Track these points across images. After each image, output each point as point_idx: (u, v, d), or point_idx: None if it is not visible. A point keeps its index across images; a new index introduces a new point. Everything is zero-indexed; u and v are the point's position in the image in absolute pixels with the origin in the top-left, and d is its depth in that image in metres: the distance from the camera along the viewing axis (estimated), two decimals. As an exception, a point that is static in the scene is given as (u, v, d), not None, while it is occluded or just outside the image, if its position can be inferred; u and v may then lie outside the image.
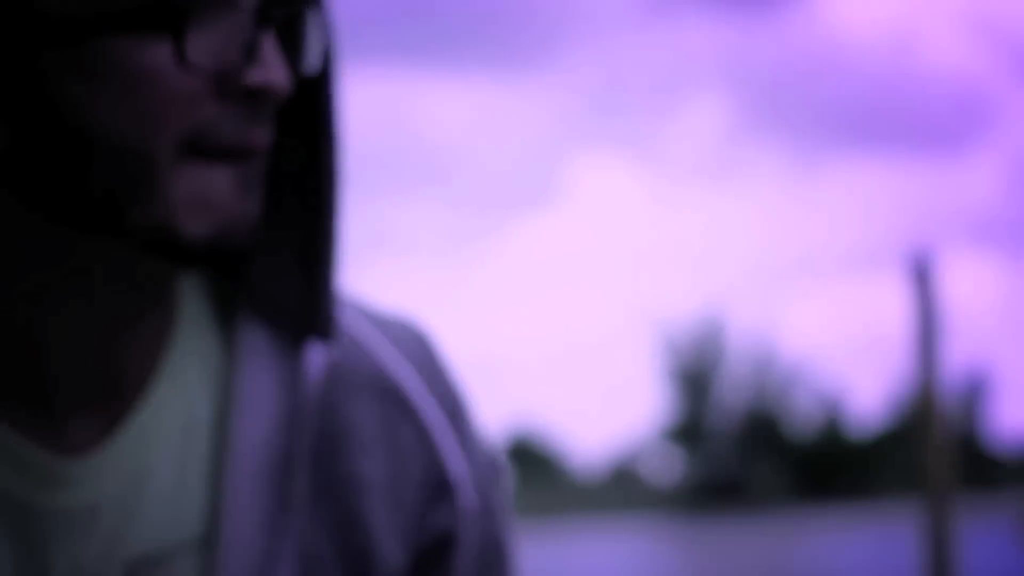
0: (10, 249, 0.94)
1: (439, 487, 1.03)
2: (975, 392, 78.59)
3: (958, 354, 42.60)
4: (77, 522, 0.95)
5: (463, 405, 1.06)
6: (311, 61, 0.94)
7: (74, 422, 0.96)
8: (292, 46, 0.94)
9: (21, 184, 0.92)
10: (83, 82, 0.90)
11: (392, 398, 1.02)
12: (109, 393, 0.96)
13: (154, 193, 0.91)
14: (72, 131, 0.91)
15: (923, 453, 7.03)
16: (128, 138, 0.90)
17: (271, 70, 0.90)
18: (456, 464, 1.04)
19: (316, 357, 1.00)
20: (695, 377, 78.81)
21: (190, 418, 0.97)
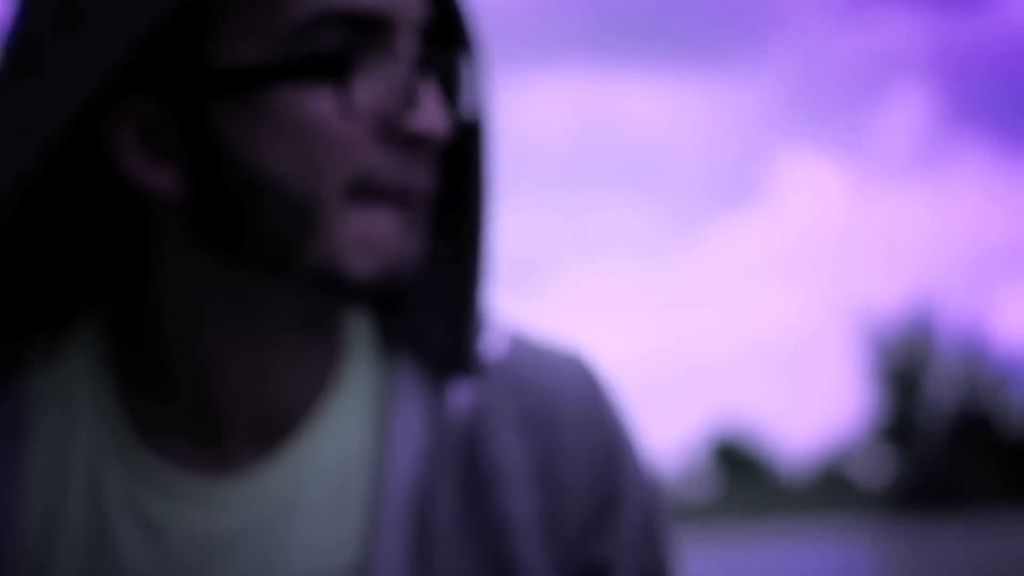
0: (190, 290, 0.99)
1: (597, 518, 1.04)
2: None
3: None
4: (229, 544, 0.98)
5: (623, 435, 1.07)
6: (468, 106, 1.00)
7: (233, 449, 1.01)
8: (450, 92, 0.99)
9: (201, 229, 0.98)
10: (254, 131, 0.95)
11: (546, 432, 1.04)
12: (272, 423, 1.01)
13: (322, 234, 0.96)
14: (246, 178, 0.96)
15: None
16: (297, 183, 0.95)
17: (430, 116, 0.96)
18: (615, 495, 1.05)
19: (462, 392, 1.03)
20: (904, 375, 77.15)
21: (346, 451, 1.01)
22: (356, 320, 1.06)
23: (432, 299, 1.05)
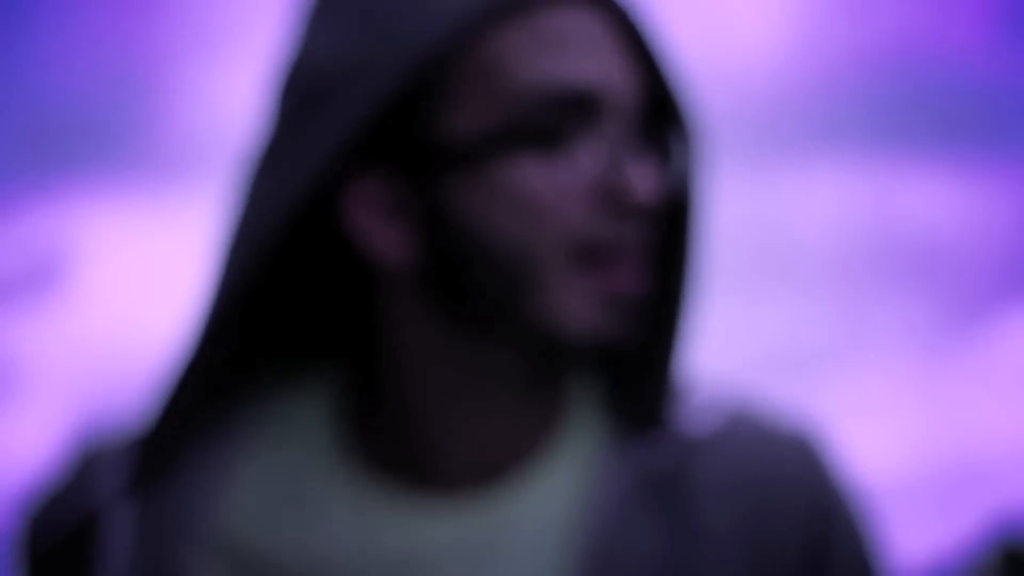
0: (417, 349, 1.07)
1: None
2: None
3: None
4: (430, 568, 1.05)
5: (842, 515, 1.10)
6: (680, 182, 1.06)
7: (449, 489, 1.07)
8: (664, 167, 1.05)
9: (428, 292, 1.05)
10: (478, 200, 1.03)
11: (758, 499, 1.08)
12: (486, 471, 1.08)
13: (540, 296, 1.03)
14: (470, 243, 1.03)
15: None
16: (517, 248, 1.03)
17: (640, 185, 1.02)
18: (825, 570, 1.08)
19: (665, 453, 1.08)
20: None
21: (552, 504, 1.07)
22: (580, 380, 1.12)
23: (640, 362, 1.10)
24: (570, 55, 1.03)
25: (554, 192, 1.02)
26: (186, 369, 1.07)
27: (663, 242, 1.08)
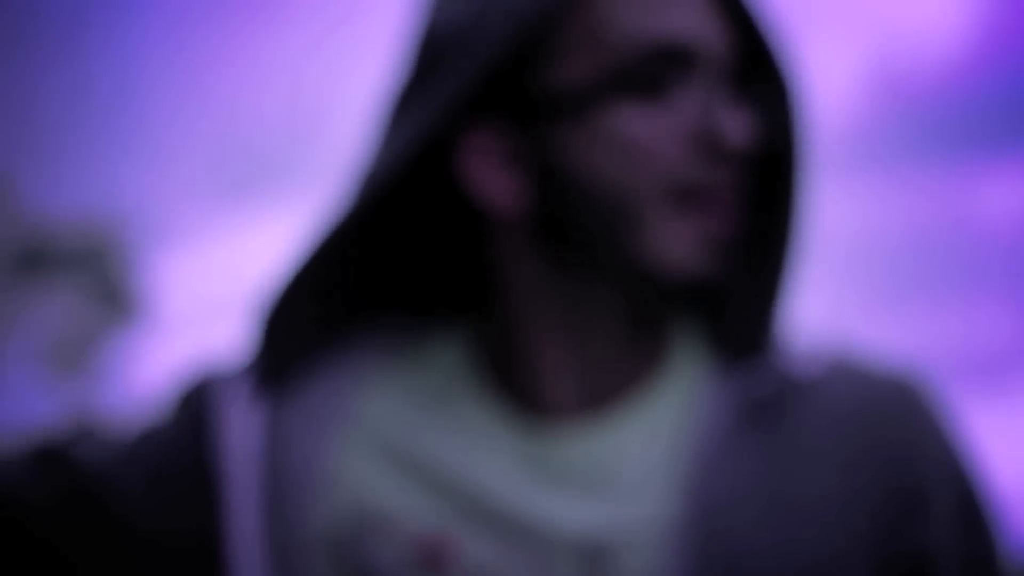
0: (527, 291, 1.15)
1: (906, 516, 1.13)
2: None
3: None
4: (569, 474, 1.13)
5: (939, 442, 1.15)
6: (776, 129, 1.14)
7: (559, 413, 1.15)
8: (755, 113, 1.13)
9: (538, 236, 1.14)
10: (584, 145, 1.11)
11: (857, 431, 1.14)
12: (595, 401, 1.15)
13: (641, 235, 1.11)
14: (579, 188, 1.12)
15: None
16: (620, 190, 1.11)
17: (733, 128, 1.10)
18: (924, 496, 1.14)
19: (767, 379, 1.14)
20: None
21: (659, 427, 1.14)
22: (684, 319, 1.19)
23: (744, 298, 1.17)
24: (668, 12, 1.11)
25: (653, 136, 1.10)
26: (301, 290, 1.15)
27: (767, 186, 1.14)
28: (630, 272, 1.12)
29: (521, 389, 1.16)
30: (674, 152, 1.11)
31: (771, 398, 1.14)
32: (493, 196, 1.14)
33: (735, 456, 1.11)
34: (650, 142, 1.10)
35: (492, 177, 1.13)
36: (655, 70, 1.11)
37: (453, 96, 1.11)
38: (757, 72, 1.15)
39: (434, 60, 1.13)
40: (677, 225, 1.11)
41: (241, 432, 1.15)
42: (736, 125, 1.10)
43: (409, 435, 1.16)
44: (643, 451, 1.13)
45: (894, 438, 1.14)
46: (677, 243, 1.11)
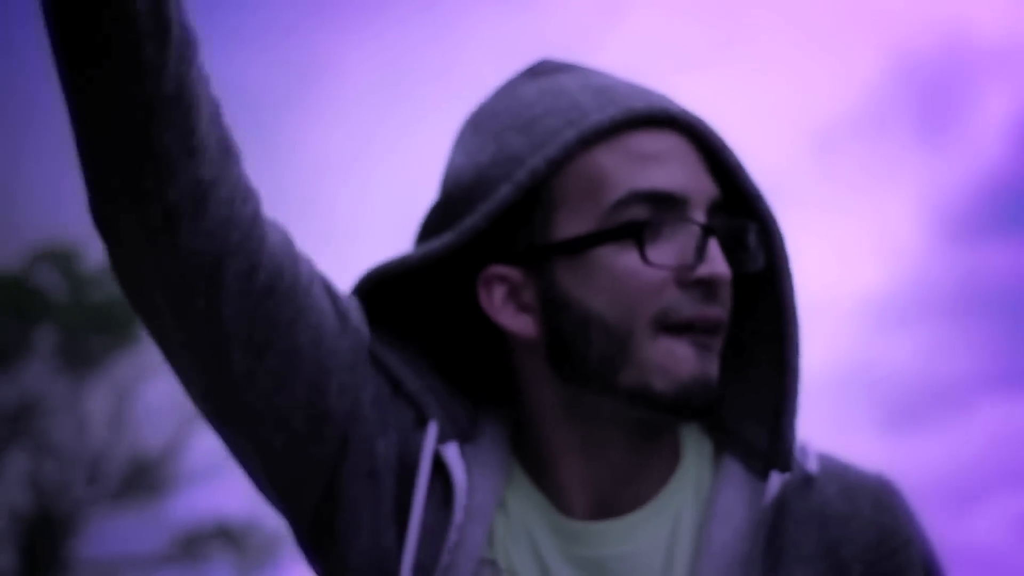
0: (544, 406, 1.28)
1: None
2: None
3: None
4: (598, 567, 1.26)
5: (910, 539, 1.30)
6: (755, 257, 1.26)
7: (582, 518, 1.28)
8: (739, 247, 1.25)
9: (549, 361, 1.27)
10: (584, 283, 1.23)
11: (839, 527, 1.27)
12: (611, 508, 1.28)
13: (634, 360, 1.22)
14: (578, 319, 1.24)
15: None
16: (614, 320, 1.22)
17: (714, 265, 1.21)
18: None
19: (773, 485, 1.25)
20: None
21: (675, 522, 1.27)
22: (690, 429, 1.32)
23: (756, 413, 1.29)
24: (656, 166, 1.23)
25: (643, 274, 1.22)
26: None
27: (768, 313, 1.28)
28: (629, 395, 1.24)
29: (549, 492, 1.29)
30: (662, 289, 1.23)
31: (778, 500, 1.24)
32: (506, 324, 1.28)
33: (739, 552, 1.23)
34: (639, 279, 1.22)
35: (504, 308, 1.28)
36: (646, 215, 1.23)
37: (464, 240, 1.26)
38: (740, 208, 1.28)
39: (452, 205, 1.29)
40: (669, 348, 1.23)
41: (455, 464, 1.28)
42: (715, 260, 1.22)
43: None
44: (656, 552, 1.26)
45: (877, 523, 1.28)
46: (670, 364, 1.23)
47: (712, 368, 1.24)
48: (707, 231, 1.23)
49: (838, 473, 1.30)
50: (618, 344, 1.23)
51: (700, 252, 1.23)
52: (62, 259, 24.00)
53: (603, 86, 1.25)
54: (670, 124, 1.24)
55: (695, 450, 1.32)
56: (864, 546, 1.27)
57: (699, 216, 1.23)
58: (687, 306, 1.23)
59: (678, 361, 1.23)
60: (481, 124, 1.29)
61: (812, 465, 1.29)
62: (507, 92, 1.29)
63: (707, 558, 1.23)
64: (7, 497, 25.32)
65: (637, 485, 1.28)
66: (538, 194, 1.25)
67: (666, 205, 1.23)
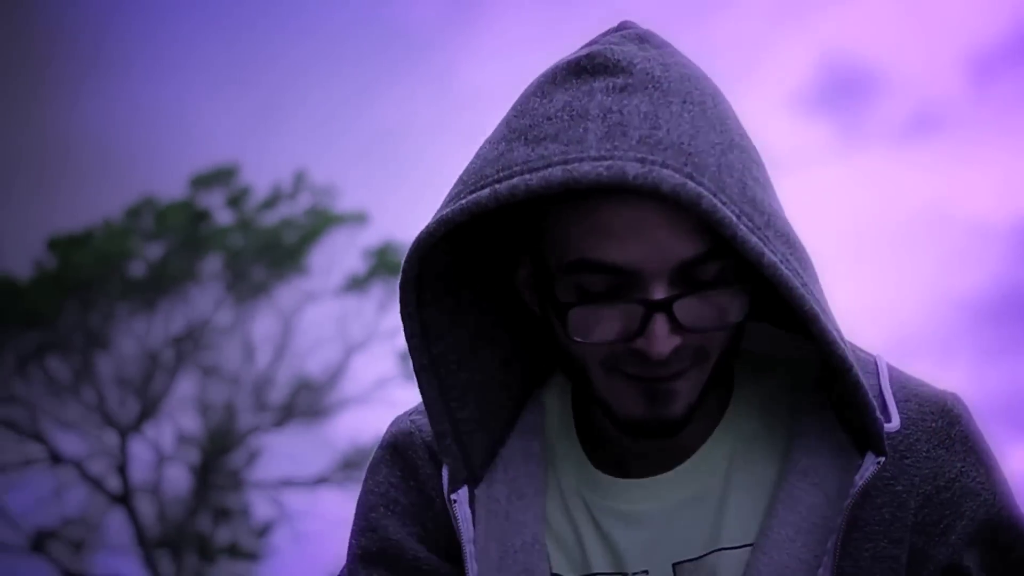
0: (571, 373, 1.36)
1: (940, 526, 1.32)
2: None
3: None
4: (636, 521, 1.33)
5: (975, 459, 1.33)
6: (704, 322, 1.24)
7: (638, 467, 1.37)
8: (690, 316, 1.24)
9: (565, 370, 1.40)
10: (560, 331, 1.30)
11: (904, 455, 1.31)
12: (659, 466, 1.36)
13: (598, 388, 1.30)
14: (564, 350, 1.32)
15: None
16: (575, 354, 1.30)
17: (652, 343, 1.22)
18: (958, 508, 1.32)
19: (868, 468, 1.27)
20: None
21: (729, 474, 1.33)
22: (749, 388, 1.38)
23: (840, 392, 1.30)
24: (611, 240, 1.20)
25: (593, 330, 1.25)
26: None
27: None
28: (598, 404, 1.32)
29: (595, 455, 1.39)
30: (612, 349, 1.26)
31: (860, 480, 1.27)
32: (528, 302, 1.36)
33: (826, 520, 1.28)
34: (593, 337, 1.25)
35: (527, 288, 1.34)
36: (597, 284, 1.24)
37: (441, 224, 1.26)
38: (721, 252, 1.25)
39: (465, 179, 1.29)
40: (621, 387, 1.28)
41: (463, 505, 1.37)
42: (655, 337, 1.22)
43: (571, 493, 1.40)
44: (707, 500, 1.33)
45: (932, 456, 1.31)
46: (621, 401, 1.29)
47: (667, 410, 1.27)
48: (652, 307, 1.21)
49: (900, 403, 1.32)
50: (581, 372, 1.30)
51: (642, 327, 1.22)
52: (228, 187, 24.49)
53: (623, 117, 1.19)
54: (651, 194, 1.18)
55: (751, 392, 1.37)
56: (920, 479, 1.29)
57: (655, 288, 1.21)
58: (631, 364, 1.26)
59: (627, 401, 1.28)
60: (512, 119, 1.28)
61: (895, 425, 1.30)
62: (545, 88, 1.26)
63: (789, 515, 1.26)
64: (177, 421, 26.07)
65: (684, 445, 1.35)
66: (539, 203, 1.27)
67: (618, 277, 1.22)
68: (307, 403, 25.13)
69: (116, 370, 24.91)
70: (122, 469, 25.46)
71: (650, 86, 1.21)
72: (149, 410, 25.18)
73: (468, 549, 1.33)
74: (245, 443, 26.06)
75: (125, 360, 24.92)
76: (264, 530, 30.45)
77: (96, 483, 25.59)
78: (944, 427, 1.32)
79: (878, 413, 1.26)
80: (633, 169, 1.16)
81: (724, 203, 1.17)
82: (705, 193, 1.16)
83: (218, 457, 26.05)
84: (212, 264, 24.39)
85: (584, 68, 1.23)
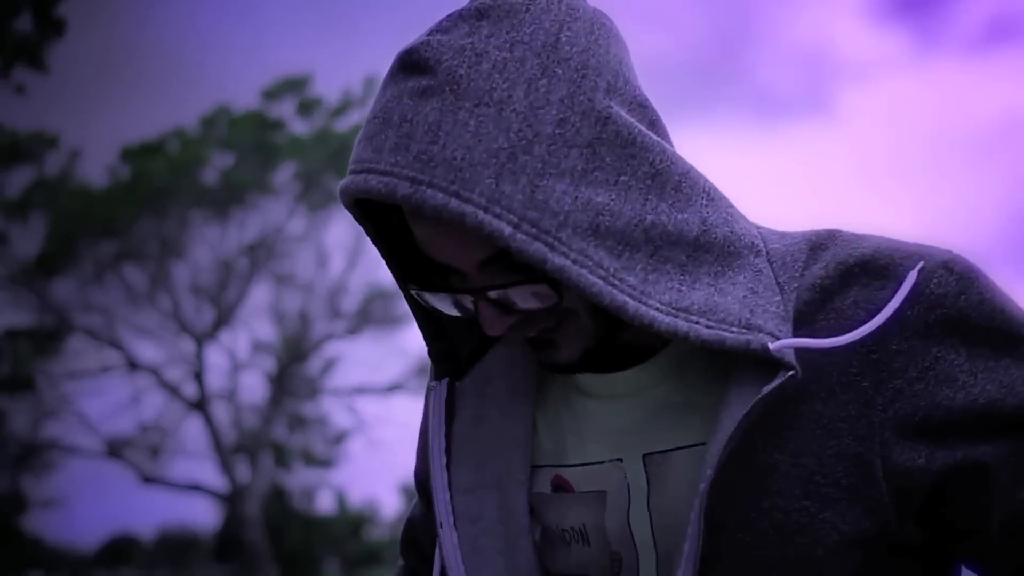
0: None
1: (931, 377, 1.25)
2: None
3: None
4: (613, 412, 1.37)
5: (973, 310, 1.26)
6: (529, 303, 1.26)
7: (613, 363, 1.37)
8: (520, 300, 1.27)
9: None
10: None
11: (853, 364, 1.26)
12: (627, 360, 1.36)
13: None
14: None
15: None
16: None
17: (484, 326, 1.28)
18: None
19: (776, 381, 1.22)
20: None
21: (689, 373, 1.33)
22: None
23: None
24: (424, 243, 1.26)
25: (462, 311, 1.30)
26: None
27: None
28: None
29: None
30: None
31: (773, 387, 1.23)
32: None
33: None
34: (458, 310, 1.31)
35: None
36: (435, 275, 1.33)
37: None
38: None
39: None
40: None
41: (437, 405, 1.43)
42: (485, 324, 1.28)
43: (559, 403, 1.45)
44: (674, 387, 1.34)
45: (909, 344, 1.24)
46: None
47: (555, 356, 1.32)
48: (474, 295, 1.28)
49: (866, 292, 1.27)
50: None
51: (476, 311, 1.28)
52: (300, 96, 24.57)
53: (411, 128, 1.22)
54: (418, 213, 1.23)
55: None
56: (889, 373, 1.24)
57: (471, 279, 1.27)
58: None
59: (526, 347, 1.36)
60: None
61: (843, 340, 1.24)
62: (386, 81, 1.28)
63: (732, 416, 1.23)
64: (252, 328, 26.35)
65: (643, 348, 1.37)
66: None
67: (445, 269, 1.29)
68: (381, 311, 25.32)
69: (191, 278, 25.18)
70: (198, 376, 25.80)
71: (447, 89, 1.21)
72: (224, 318, 25.45)
73: (435, 441, 1.41)
74: (319, 351, 26.34)
75: (200, 268, 25.17)
76: (338, 437, 30.98)
77: (172, 390, 25.94)
78: (920, 314, 1.25)
79: (745, 348, 1.23)
80: (403, 189, 1.19)
81: (498, 215, 1.18)
82: (470, 211, 1.18)
83: (293, 365, 26.33)
84: (284, 173, 24.52)
85: (403, 65, 1.25)
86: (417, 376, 25.39)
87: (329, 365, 27.19)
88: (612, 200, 1.22)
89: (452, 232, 1.22)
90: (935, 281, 1.26)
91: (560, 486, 1.41)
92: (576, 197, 1.21)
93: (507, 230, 1.19)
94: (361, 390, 26.85)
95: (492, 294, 1.26)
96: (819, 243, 1.31)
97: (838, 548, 1.25)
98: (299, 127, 24.47)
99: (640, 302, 1.23)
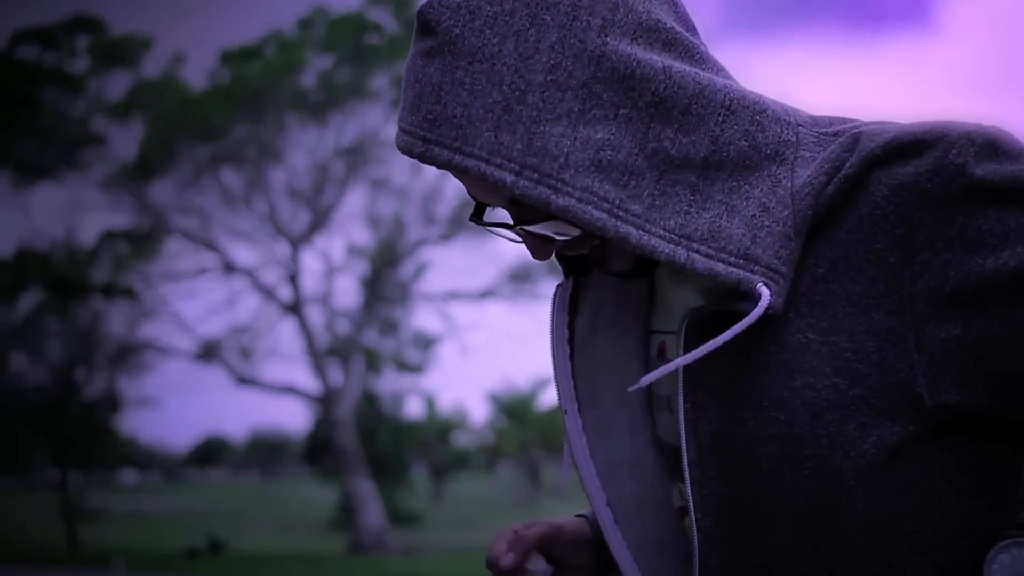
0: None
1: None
2: None
3: None
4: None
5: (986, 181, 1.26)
6: (561, 234, 1.31)
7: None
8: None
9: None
10: None
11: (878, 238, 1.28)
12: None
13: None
14: None
15: None
16: None
17: (531, 252, 1.34)
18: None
19: (759, 310, 1.26)
20: None
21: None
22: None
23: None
24: (469, 189, 1.30)
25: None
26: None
27: None
28: None
29: None
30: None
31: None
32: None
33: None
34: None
35: None
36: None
37: None
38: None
39: None
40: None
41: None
42: (534, 253, 1.33)
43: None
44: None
45: (933, 216, 1.25)
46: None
47: (608, 267, 1.37)
48: (512, 229, 1.33)
49: (889, 171, 1.28)
50: None
51: (523, 240, 1.35)
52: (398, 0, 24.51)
53: (421, 89, 1.29)
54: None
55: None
56: (915, 247, 1.25)
57: (511, 215, 1.32)
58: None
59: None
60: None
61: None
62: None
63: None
64: (347, 232, 26.50)
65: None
66: None
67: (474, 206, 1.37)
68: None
69: (287, 181, 25.37)
70: (293, 279, 26.07)
71: (446, 50, 1.28)
72: (319, 222, 25.66)
73: (558, 332, 1.45)
74: (413, 255, 26.51)
75: (296, 172, 25.34)
76: (430, 342, 31.22)
77: (267, 293, 26.23)
78: (939, 185, 1.25)
79: (736, 286, 1.27)
80: (417, 148, 1.27)
81: (499, 165, 1.25)
82: (473, 164, 1.24)
83: (386, 269, 26.52)
84: (382, 77, 24.54)
85: (417, 26, 1.31)
86: (510, 283, 25.52)
87: (422, 270, 27.35)
88: (612, 134, 1.27)
89: (476, 179, 1.29)
90: (954, 151, 1.25)
91: (661, 352, 1.44)
92: (575, 138, 1.27)
93: (509, 178, 1.25)
94: (453, 296, 27.01)
95: (525, 228, 1.31)
96: (849, 134, 1.32)
97: (869, 423, 1.26)
98: (397, 31, 24.45)
99: (643, 231, 1.28)
